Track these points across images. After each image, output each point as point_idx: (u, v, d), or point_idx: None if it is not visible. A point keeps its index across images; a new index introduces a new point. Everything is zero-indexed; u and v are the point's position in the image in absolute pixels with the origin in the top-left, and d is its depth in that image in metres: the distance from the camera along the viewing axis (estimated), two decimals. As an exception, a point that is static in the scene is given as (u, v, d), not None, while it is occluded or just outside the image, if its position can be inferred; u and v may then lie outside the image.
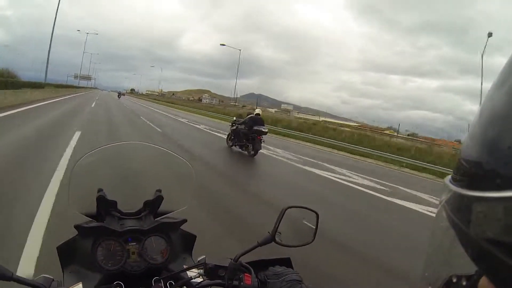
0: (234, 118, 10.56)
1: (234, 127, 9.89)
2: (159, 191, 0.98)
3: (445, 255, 0.30)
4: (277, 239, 0.82)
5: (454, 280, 0.28)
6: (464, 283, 0.27)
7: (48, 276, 0.78)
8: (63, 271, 0.87)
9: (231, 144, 10.02)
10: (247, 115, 9.96)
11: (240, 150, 9.57)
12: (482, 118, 0.27)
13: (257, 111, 10.17)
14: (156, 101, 67.42)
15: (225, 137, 10.61)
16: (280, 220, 0.82)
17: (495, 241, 0.21)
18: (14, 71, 24.50)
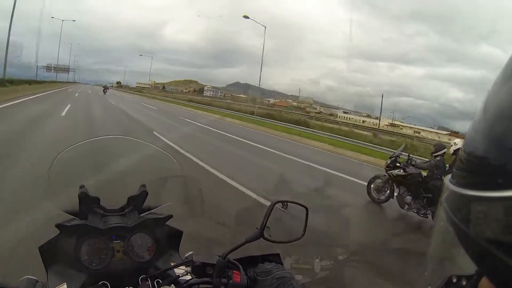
0: (397, 153, 5.64)
1: (399, 171, 5.21)
2: (144, 186, 0.96)
3: (445, 255, 0.30)
4: (265, 234, 0.81)
5: (454, 280, 0.28)
6: (464, 283, 0.27)
7: (32, 277, 0.76)
8: (46, 272, 0.84)
9: (384, 198, 5.40)
10: (435, 149, 5.29)
11: (416, 214, 5.03)
12: (486, 117, 0.26)
13: (457, 143, 5.20)
14: (149, 96, 46.00)
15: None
16: (269, 215, 0.81)
17: (495, 241, 0.21)
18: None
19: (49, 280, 0.80)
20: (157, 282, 0.83)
